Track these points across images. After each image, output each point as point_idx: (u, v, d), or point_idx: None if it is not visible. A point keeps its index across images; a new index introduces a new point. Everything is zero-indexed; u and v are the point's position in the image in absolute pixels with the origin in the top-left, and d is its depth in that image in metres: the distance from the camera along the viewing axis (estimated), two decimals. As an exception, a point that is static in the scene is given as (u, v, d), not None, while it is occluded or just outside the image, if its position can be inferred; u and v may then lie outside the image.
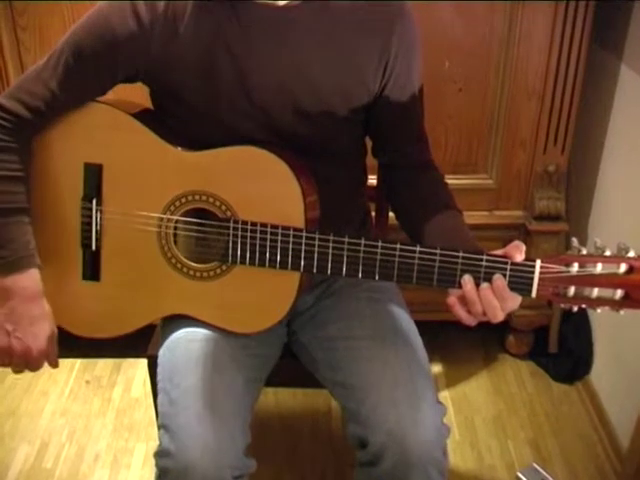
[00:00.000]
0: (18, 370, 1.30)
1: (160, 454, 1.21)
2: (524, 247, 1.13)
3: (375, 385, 1.26)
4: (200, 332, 1.32)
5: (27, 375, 2.22)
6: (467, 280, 1.13)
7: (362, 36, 1.26)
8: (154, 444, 1.24)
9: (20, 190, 1.26)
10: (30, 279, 1.26)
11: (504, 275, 1.12)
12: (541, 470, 1.87)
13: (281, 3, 1.22)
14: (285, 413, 2.11)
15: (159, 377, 1.32)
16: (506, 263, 1.12)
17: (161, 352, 1.35)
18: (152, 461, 1.24)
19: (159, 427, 1.25)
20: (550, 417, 2.09)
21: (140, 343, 1.53)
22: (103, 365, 2.27)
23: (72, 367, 2.27)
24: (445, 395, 2.15)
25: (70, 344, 2.05)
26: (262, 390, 1.40)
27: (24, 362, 1.29)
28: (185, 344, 1.32)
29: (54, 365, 1.33)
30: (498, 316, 1.13)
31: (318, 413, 2.11)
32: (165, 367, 1.32)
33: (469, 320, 1.15)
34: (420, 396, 1.25)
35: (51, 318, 1.29)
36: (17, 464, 1.94)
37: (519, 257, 1.12)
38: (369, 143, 1.44)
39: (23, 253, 1.25)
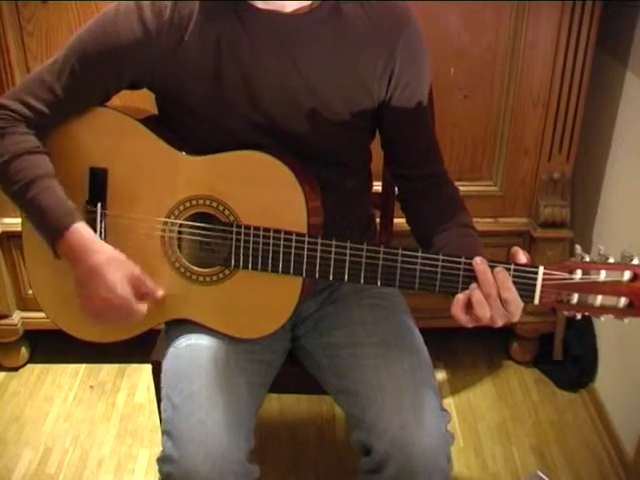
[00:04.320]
0: (122, 323, 1.27)
1: (163, 460, 1.21)
2: (523, 251, 1.13)
3: (379, 392, 1.26)
4: (204, 338, 1.32)
5: (31, 380, 2.23)
6: (479, 261, 1.12)
7: (367, 45, 1.26)
8: (158, 450, 1.24)
9: (39, 160, 1.25)
10: (77, 235, 1.23)
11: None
12: (545, 478, 1.85)
13: (287, 10, 1.23)
14: (289, 419, 2.11)
15: (163, 383, 1.32)
16: (509, 269, 1.11)
17: (165, 358, 1.35)
18: (155, 467, 1.24)
19: (162, 433, 1.25)
20: (555, 424, 2.09)
21: (144, 349, 1.53)
22: (107, 370, 2.27)
23: (76, 372, 2.27)
24: (449, 402, 2.15)
25: (74, 349, 2.06)
26: (266, 396, 1.40)
27: (118, 316, 1.26)
28: (189, 350, 1.32)
29: (156, 299, 1.29)
30: (499, 315, 1.12)
31: (322, 419, 2.10)
32: (169, 373, 1.32)
33: (466, 320, 1.14)
34: (424, 403, 1.24)
35: (117, 259, 1.24)
36: (21, 469, 1.94)
37: (523, 258, 1.12)
38: (374, 149, 1.44)
39: (61, 215, 1.23)
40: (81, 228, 1.23)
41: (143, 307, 1.26)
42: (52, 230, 1.23)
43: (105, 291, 1.23)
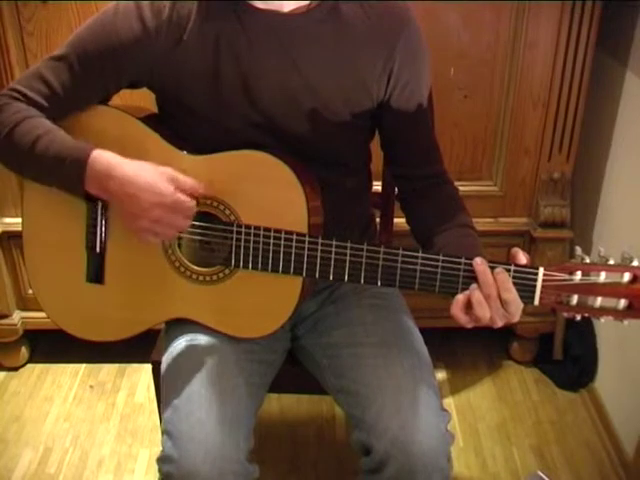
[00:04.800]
0: (183, 223, 1.21)
1: (163, 460, 1.22)
2: (523, 252, 1.14)
3: (379, 392, 1.26)
4: (203, 338, 1.32)
5: (31, 380, 2.23)
6: (480, 261, 1.12)
7: (367, 44, 1.26)
8: (158, 449, 1.24)
9: (40, 122, 1.24)
10: (97, 162, 1.19)
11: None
12: (545, 478, 1.85)
13: (285, 10, 1.23)
14: (289, 419, 2.11)
15: (162, 382, 1.32)
16: (509, 270, 1.11)
17: (165, 357, 1.35)
18: (155, 467, 1.24)
19: (162, 433, 1.25)
20: (555, 424, 2.09)
21: (144, 348, 1.53)
22: (107, 370, 2.28)
23: (76, 372, 2.27)
24: (449, 402, 2.15)
25: (74, 349, 2.06)
26: (266, 396, 1.40)
27: (175, 215, 1.19)
28: (188, 350, 1.32)
29: (197, 191, 1.21)
30: (499, 316, 1.12)
31: (322, 419, 2.10)
32: (168, 372, 1.32)
33: (466, 321, 1.14)
34: (424, 403, 1.24)
35: (147, 166, 1.20)
36: (21, 469, 1.94)
37: (523, 259, 1.12)
38: (374, 149, 1.44)
39: (76, 152, 1.20)
40: (100, 154, 1.20)
41: (193, 202, 1.21)
42: (74, 169, 1.20)
43: (149, 196, 1.18)
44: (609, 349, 2.09)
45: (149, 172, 1.19)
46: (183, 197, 1.19)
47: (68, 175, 1.21)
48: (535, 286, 1.11)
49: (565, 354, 2.22)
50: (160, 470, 1.22)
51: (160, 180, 1.18)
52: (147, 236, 1.21)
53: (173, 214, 1.19)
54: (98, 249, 1.32)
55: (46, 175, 1.25)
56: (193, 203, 1.21)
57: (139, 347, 1.56)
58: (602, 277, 1.08)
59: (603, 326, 2.09)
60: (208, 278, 1.29)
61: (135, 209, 1.19)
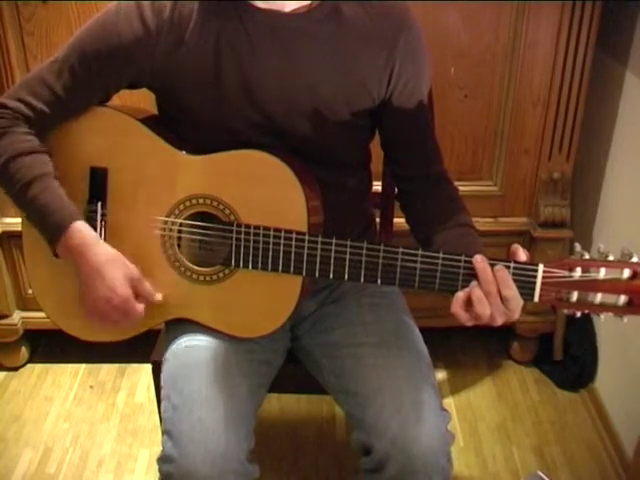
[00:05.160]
0: (122, 323, 1.28)
1: (163, 460, 1.21)
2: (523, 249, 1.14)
3: (379, 392, 1.26)
4: (203, 338, 1.32)
5: (31, 380, 2.23)
6: (480, 258, 1.12)
7: (367, 44, 1.26)
8: (158, 449, 1.24)
9: (39, 160, 1.25)
10: (77, 235, 1.23)
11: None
12: (545, 478, 1.86)
13: (286, 10, 1.23)
14: (289, 419, 2.11)
15: (162, 382, 1.32)
16: (509, 266, 1.11)
17: (165, 357, 1.35)
18: (155, 467, 1.24)
19: (162, 432, 1.25)
20: (555, 424, 2.09)
21: (144, 349, 1.53)
22: (107, 370, 2.28)
23: (76, 372, 2.27)
24: (449, 402, 2.15)
25: (74, 349, 2.06)
26: (266, 396, 1.40)
27: (118, 315, 1.27)
28: (188, 350, 1.32)
29: (152, 300, 1.29)
30: (499, 313, 1.12)
31: (322, 419, 2.10)
32: (168, 372, 1.32)
33: (466, 318, 1.14)
34: (424, 403, 1.24)
35: (117, 260, 1.25)
36: (21, 469, 1.94)
37: (523, 256, 1.12)
38: (374, 149, 1.44)
39: (61, 214, 1.23)
40: (82, 227, 1.24)
41: (141, 307, 1.28)
42: (52, 230, 1.24)
43: (105, 290, 1.24)
44: (609, 349, 2.09)
45: (115, 268, 1.25)
46: (132, 305, 1.26)
47: (45, 230, 1.26)
48: (535, 283, 1.11)
49: (565, 354, 2.22)
50: (160, 470, 1.22)
51: (121, 282, 1.25)
52: (88, 315, 1.29)
53: (116, 313, 1.27)
54: (98, 249, 1.32)
55: (27, 216, 1.28)
56: (140, 312, 1.27)
57: (139, 347, 1.56)
58: (602, 273, 1.08)
59: (603, 326, 2.09)
60: (208, 278, 1.29)
61: (89, 291, 1.26)
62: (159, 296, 1.30)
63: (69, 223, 1.23)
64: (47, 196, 1.23)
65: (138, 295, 1.27)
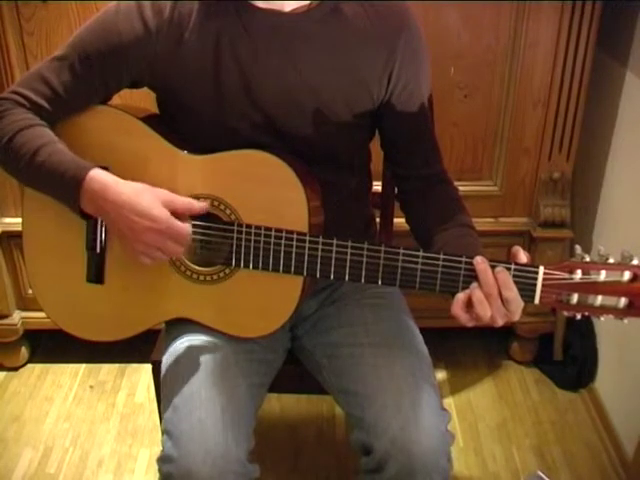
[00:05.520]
0: (175, 249, 1.21)
1: (163, 460, 1.22)
2: (524, 251, 1.14)
3: (379, 392, 1.26)
4: (204, 338, 1.32)
5: (31, 380, 2.23)
6: (480, 260, 1.12)
7: (367, 44, 1.26)
8: (158, 449, 1.24)
9: (41, 131, 1.24)
10: (94, 181, 1.19)
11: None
12: (546, 478, 1.86)
13: (286, 9, 1.23)
14: (289, 419, 2.11)
15: (162, 382, 1.32)
16: (509, 268, 1.11)
17: (165, 357, 1.35)
18: (155, 467, 1.24)
19: (162, 432, 1.25)
20: (555, 424, 2.09)
21: (144, 348, 1.53)
22: (107, 370, 2.28)
23: (76, 372, 2.27)
24: (449, 402, 2.15)
25: (74, 349, 2.06)
26: (266, 396, 1.40)
27: (168, 241, 1.19)
28: (189, 350, 1.32)
29: (193, 209, 1.22)
30: (500, 314, 1.12)
31: (322, 419, 2.10)
32: (169, 372, 1.32)
33: (467, 319, 1.14)
34: (424, 403, 1.24)
35: (144, 189, 1.20)
36: (21, 469, 1.94)
37: (523, 257, 1.12)
38: (374, 149, 1.44)
39: (74, 169, 1.20)
40: (98, 174, 1.20)
41: (187, 225, 1.21)
42: (70, 187, 1.20)
43: (144, 221, 1.18)
44: (609, 349, 2.09)
45: (145, 196, 1.19)
46: (177, 223, 1.19)
47: (64, 190, 1.22)
48: (535, 285, 1.11)
49: (565, 354, 2.22)
50: (160, 470, 1.22)
51: (155, 205, 1.19)
52: (142, 258, 1.22)
53: (167, 240, 1.19)
54: (98, 249, 1.32)
55: (42, 186, 1.25)
56: (188, 229, 1.21)
57: (139, 347, 1.56)
58: (602, 276, 1.08)
59: (603, 326, 2.09)
60: (209, 278, 1.29)
61: (129, 232, 1.20)
62: (200, 204, 1.23)
63: (84, 174, 1.20)
64: (55, 159, 1.21)
65: (177, 213, 1.21)
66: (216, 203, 1.25)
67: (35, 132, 1.23)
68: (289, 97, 1.26)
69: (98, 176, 1.20)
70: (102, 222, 1.30)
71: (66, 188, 1.21)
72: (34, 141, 1.22)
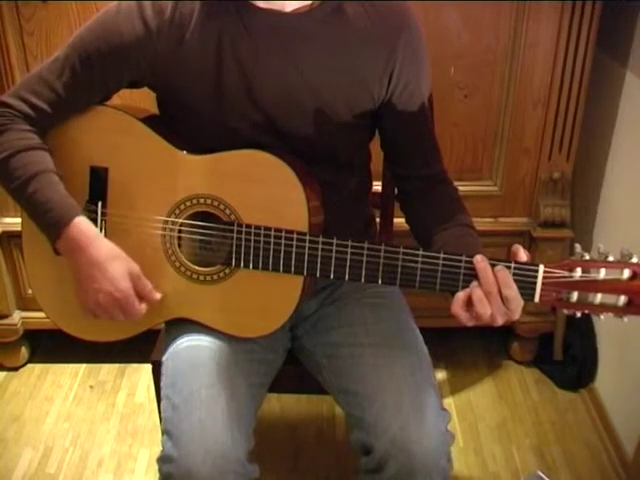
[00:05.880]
0: (121, 318, 1.28)
1: (163, 460, 1.21)
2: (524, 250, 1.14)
3: (379, 392, 1.26)
4: (203, 338, 1.32)
5: (31, 380, 2.23)
6: (480, 259, 1.12)
7: (368, 44, 1.26)
8: (158, 449, 1.24)
9: (39, 157, 1.25)
10: (78, 230, 1.23)
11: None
12: (546, 478, 1.86)
13: (287, 10, 1.23)
14: (289, 419, 2.11)
15: (162, 382, 1.32)
16: (509, 267, 1.12)
17: (165, 357, 1.35)
18: (155, 467, 1.24)
19: (162, 432, 1.25)
20: (555, 424, 2.09)
21: (144, 348, 1.53)
22: (107, 370, 2.27)
23: (76, 372, 2.27)
24: (449, 402, 2.15)
25: (74, 349, 2.05)
26: (266, 396, 1.40)
27: (118, 310, 1.26)
28: (188, 350, 1.32)
29: (153, 299, 1.29)
30: (500, 313, 1.12)
31: (322, 419, 2.10)
32: (169, 372, 1.32)
33: (467, 318, 1.14)
34: (424, 403, 1.24)
35: (119, 256, 1.25)
36: (21, 469, 1.94)
37: (523, 256, 1.12)
38: (374, 149, 1.44)
39: (62, 210, 1.23)
40: (82, 222, 1.24)
41: (142, 305, 1.28)
42: (53, 225, 1.23)
43: (106, 284, 1.24)
44: (609, 349, 2.09)
45: (117, 263, 1.25)
46: (133, 300, 1.26)
47: (46, 226, 1.25)
48: (535, 283, 1.11)
49: (565, 354, 2.22)
50: (160, 470, 1.22)
51: (122, 276, 1.25)
52: (90, 311, 1.28)
53: (118, 309, 1.26)
54: (98, 249, 1.32)
55: (27, 212, 1.28)
56: (140, 308, 1.27)
57: (139, 347, 1.56)
58: (602, 274, 1.08)
59: (603, 326, 2.09)
60: (208, 278, 1.29)
61: (89, 288, 1.25)
62: (158, 295, 1.29)
63: (70, 219, 1.23)
64: (47, 192, 1.23)
65: (138, 292, 1.27)
66: (216, 203, 1.25)
67: (32, 157, 1.25)
68: (289, 97, 1.26)
69: (80, 227, 1.24)
70: (101, 222, 1.30)
71: (49, 226, 1.25)
72: (29, 167, 1.24)
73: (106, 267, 1.23)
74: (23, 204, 1.27)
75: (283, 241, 1.21)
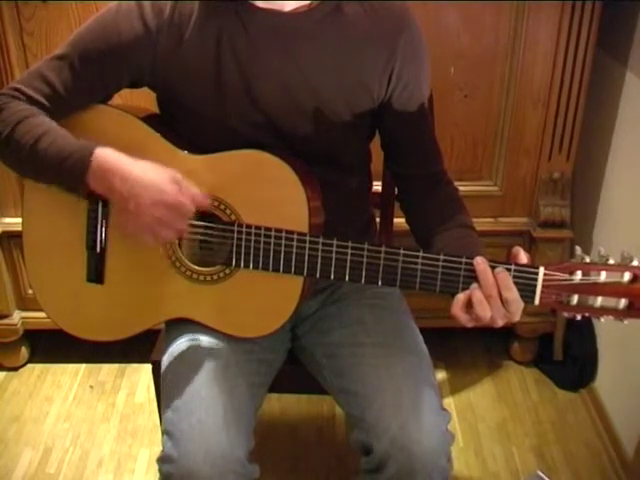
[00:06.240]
0: (182, 226, 1.21)
1: (163, 460, 1.21)
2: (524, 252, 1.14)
3: (379, 392, 1.26)
4: (204, 338, 1.32)
5: (31, 380, 2.23)
6: (480, 261, 1.12)
7: (367, 44, 1.26)
8: (158, 449, 1.24)
9: (42, 120, 1.23)
10: (103, 155, 1.19)
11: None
12: (546, 478, 1.86)
13: (286, 9, 1.23)
14: (289, 419, 2.11)
15: (162, 382, 1.32)
16: (509, 269, 1.11)
17: (165, 357, 1.35)
18: (155, 467, 1.24)
19: (162, 432, 1.25)
20: (555, 424, 2.09)
21: (144, 348, 1.53)
22: (107, 370, 2.27)
23: (76, 372, 2.27)
24: (449, 402, 2.15)
25: (74, 349, 2.06)
26: (266, 396, 1.40)
27: (176, 214, 1.19)
28: (189, 350, 1.32)
29: (202, 202, 1.21)
30: (500, 315, 1.12)
31: (322, 419, 2.10)
32: (169, 372, 1.32)
33: (467, 320, 1.14)
34: (424, 403, 1.24)
35: (154, 166, 1.20)
36: (21, 469, 1.94)
37: (524, 258, 1.12)
38: (374, 149, 1.44)
39: (80, 148, 1.20)
40: (106, 149, 1.20)
41: (192, 205, 1.20)
42: (77, 166, 1.19)
43: (154, 194, 1.17)
44: (609, 349, 2.09)
45: (154, 171, 1.19)
46: (185, 199, 1.19)
47: (70, 172, 1.20)
48: (536, 286, 1.11)
49: (565, 354, 2.22)
50: (160, 470, 1.22)
51: (164, 180, 1.18)
52: (146, 235, 1.21)
53: (174, 214, 1.18)
54: (98, 249, 1.32)
55: (47, 172, 1.24)
56: (193, 207, 1.20)
57: (139, 347, 1.57)
58: (602, 277, 1.08)
59: (603, 326, 2.09)
60: (209, 278, 1.29)
61: (137, 207, 1.18)
62: (207, 199, 1.23)
63: (91, 150, 1.19)
64: (59, 143, 1.21)
65: (184, 193, 1.20)
66: (216, 203, 1.25)
67: (36, 121, 1.23)
68: (289, 97, 1.26)
69: (105, 153, 1.19)
70: (102, 222, 1.30)
71: (72, 168, 1.20)
72: (35, 129, 1.22)
73: (144, 179, 1.18)
74: (39, 166, 1.23)
75: (283, 241, 1.21)
